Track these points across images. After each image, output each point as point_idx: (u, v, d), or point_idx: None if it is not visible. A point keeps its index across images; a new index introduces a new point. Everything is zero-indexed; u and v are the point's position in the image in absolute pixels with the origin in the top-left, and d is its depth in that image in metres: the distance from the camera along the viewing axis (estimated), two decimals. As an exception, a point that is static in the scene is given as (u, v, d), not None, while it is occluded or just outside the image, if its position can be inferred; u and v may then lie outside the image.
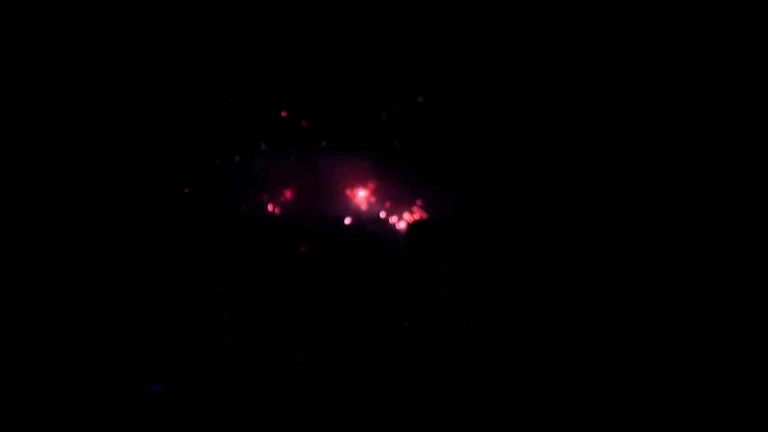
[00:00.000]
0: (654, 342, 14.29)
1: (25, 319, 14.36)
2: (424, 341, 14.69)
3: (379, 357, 14.67)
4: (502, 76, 14.55)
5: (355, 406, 14.17)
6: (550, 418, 13.73)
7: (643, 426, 13.49)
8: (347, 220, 14.96)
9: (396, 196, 14.98)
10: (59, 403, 13.78)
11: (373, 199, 15.01)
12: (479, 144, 14.77)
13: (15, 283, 14.50)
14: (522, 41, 14.28)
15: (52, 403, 13.65)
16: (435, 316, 14.71)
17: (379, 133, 14.88)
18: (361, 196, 14.98)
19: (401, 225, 15.00)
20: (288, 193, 14.99)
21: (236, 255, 14.81)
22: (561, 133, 14.61)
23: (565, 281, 14.56)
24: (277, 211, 14.98)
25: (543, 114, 14.62)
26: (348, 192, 14.97)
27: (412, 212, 14.99)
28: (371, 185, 14.98)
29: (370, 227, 15.00)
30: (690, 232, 14.33)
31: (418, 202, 14.97)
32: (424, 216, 14.99)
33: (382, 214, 15.04)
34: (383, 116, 14.84)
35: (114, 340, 14.52)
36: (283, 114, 14.82)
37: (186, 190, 14.79)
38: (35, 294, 14.47)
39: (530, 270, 14.61)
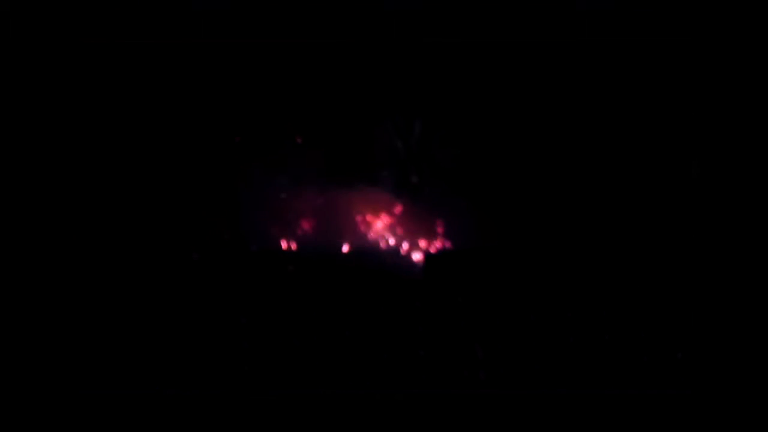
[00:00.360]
0: (655, 344, 14.61)
1: (40, 320, 14.55)
2: (440, 369, 15.00)
3: (396, 384, 14.94)
4: (515, 103, 15.21)
5: (361, 408, 14.31)
6: (550, 418, 13.85)
7: (643, 426, 13.51)
8: (365, 252, 15.46)
9: (413, 229, 15.52)
10: (65, 402, 13.76)
11: (390, 232, 15.53)
12: (494, 179, 15.40)
13: (18, 284, 14.73)
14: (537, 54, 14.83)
15: (65, 402, 13.70)
16: (451, 344, 15.06)
17: (396, 167, 15.51)
18: (379, 228, 15.51)
19: (418, 257, 15.49)
20: (308, 226, 15.51)
21: (257, 286, 15.22)
22: (572, 168, 15.23)
23: (578, 310, 15.02)
24: (296, 244, 15.47)
25: (553, 149, 15.28)
26: (366, 224, 15.50)
27: (428, 245, 15.51)
28: (388, 218, 15.53)
29: (388, 259, 15.49)
30: (689, 243, 14.82)
31: (435, 234, 15.51)
32: (441, 248, 15.50)
33: (400, 246, 15.55)
34: (401, 149, 15.51)
35: (118, 342, 14.77)
36: (299, 141, 15.48)
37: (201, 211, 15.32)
38: (46, 296, 14.70)
39: (543, 300, 15.06)
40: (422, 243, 15.53)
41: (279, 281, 15.28)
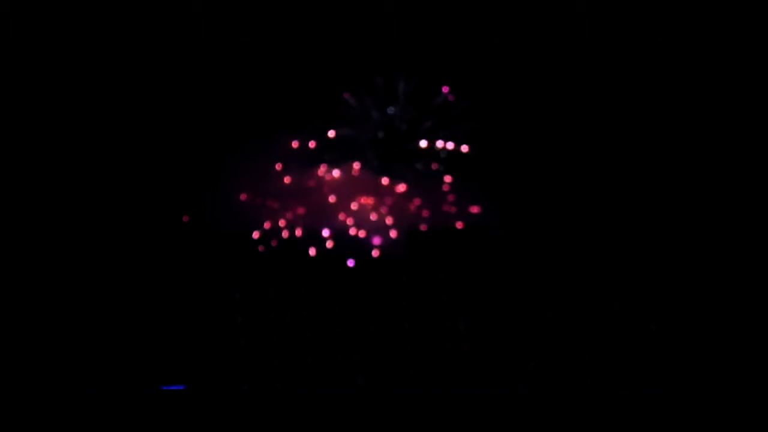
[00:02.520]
0: (656, 346, 15.14)
1: (41, 321, 15.11)
2: (424, 341, 15.67)
3: (382, 356, 15.62)
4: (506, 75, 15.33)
5: (360, 404, 14.91)
6: (551, 417, 14.31)
7: (643, 425, 13.87)
8: (352, 230, 15.97)
9: (398, 207, 16.00)
10: (69, 401, 14.52)
11: (376, 210, 16.01)
12: (481, 162, 15.79)
13: (25, 286, 15.25)
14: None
15: (63, 401, 14.40)
16: (434, 318, 15.70)
17: (381, 146, 15.92)
18: (365, 206, 15.99)
19: (403, 234, 16.00)
20: (297, 205, 15.98)
21: (249, 263, 15.77)
22: (566, 147, 15.46)
23: (556, 287, 15.59)
24: (286, 222, 15.96)
25: (537, 129, 15.59)
26: (352, 203, 15.97)
27: (413, 222, 16.00)
28: (375, 197, 16.00)
29: (374, 236, 16.02)
30: (689, 243, 15.11)
31: (420, 213, 16.00)
32: (425, 226, 15.99)
33: (385, 224, 16.04)
34: (385, 131, 15.92)
35: (121, 342, 15.41)
36: (292, 134, 15.88)
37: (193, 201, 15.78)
38: (47, 297, 15.21)
39: (525, 276, 15.63)
40: (407, 221, 16.01)
41: (270, 260, 15.84)
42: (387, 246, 15.91)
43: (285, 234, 15.87)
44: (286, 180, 15.82)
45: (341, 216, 15.90)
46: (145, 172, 15.64)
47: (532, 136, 15.54)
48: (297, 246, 15.84)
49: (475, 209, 15.82)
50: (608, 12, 14.63)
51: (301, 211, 15.90)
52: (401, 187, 15.93)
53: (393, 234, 15.90)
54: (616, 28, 14.78)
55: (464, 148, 15.01)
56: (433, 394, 14.95)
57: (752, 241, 14.71)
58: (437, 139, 15.65)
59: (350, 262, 15.55)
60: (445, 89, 15.26)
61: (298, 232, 15.85)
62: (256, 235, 15.73)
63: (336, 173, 15.81)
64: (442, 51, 15.22)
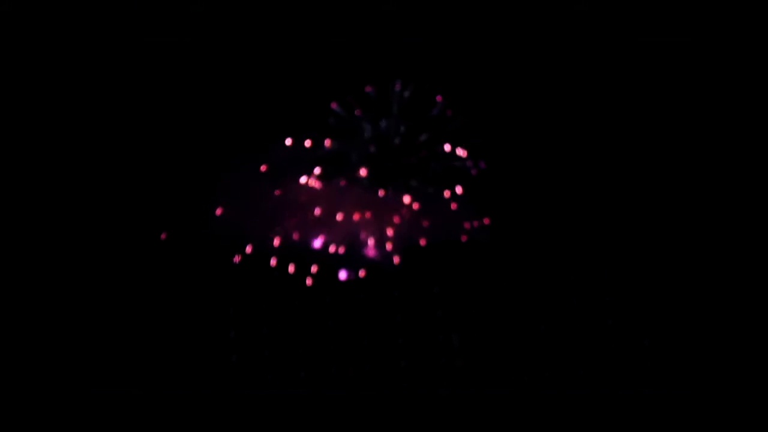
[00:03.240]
0: (650, 360, 15.21)
1: (44, 322, 15.01)
2: (418, 356, 15.59)
3: (375, 371, 15.52)
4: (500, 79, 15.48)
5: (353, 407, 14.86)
6: (552, 417, 14.48)
7: (643, 425, 14.10)
8: (345, 245, 15.96)
9: (392, 222, 16.02)
10: (74, 400, 14.52)
11: (370, 225, 16.01)
12: (474, 175, 15.90)
13: (30, 288, 15.17)
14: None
15: (67, 400, 14.45)
16: (428, 333, 15.65)
17: (376, 161, 15.97)
18: (359, 221, 15.99)
19: (397, 248, 16.00)
20: (291, 219, 15.95)
21: (243, 277, 15.70)
22: (558, 162, 15.59)
23: (549, 302, 15.62)
24: (280, 236, 15.92)
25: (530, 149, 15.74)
26: (346, 217, 15.97)
27: (407, 235, 16.01)
28: (369, 211, 16.01)
29: (368, 250, 16.00)
30: (689, 244, 15.24)
31: (414, 227, 16.03)
32: (419, 240, 16.01)
33: (378, 238, 16.04)
34: (379, 145, 15.99)
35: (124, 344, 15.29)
36: (287, 139, 15.91)
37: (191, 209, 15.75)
38: (57, 299, 15.14)
39: (518, 290, 15.66)
40: (400, 236, 16.01)
41: (263, 275, 15.78)
42: (380, 261, 15.89)
43: (276, 253, 15.84)
44: (278, 193, 15.81)
45: (334, 230, 15.90)
46: (141, 181, 15.65)
47: (523, 151, 15.69)
48: (290, 261, 15.79)
49: (469, 225, 15.87)
50: (608, 13, 14.80)
51: (294, 225, 15.88)
52: (395, 202, 15.97)
53: (387, 248, 15.91)
54: (616, 30, 14.95)
55: (463, 152, 15.13)
56: (426, 394, 14.95)
57: (745, 251, 14.88)
58: (433, 152, 15.75)
59: (343, 277, 15.51)
60: (439, 98, 15.39)
61: (291, 260, 15.81)
62: (249, 249, 15.67)
63: (328, 186, 15.84)
64: (440, 58, 15.37)
